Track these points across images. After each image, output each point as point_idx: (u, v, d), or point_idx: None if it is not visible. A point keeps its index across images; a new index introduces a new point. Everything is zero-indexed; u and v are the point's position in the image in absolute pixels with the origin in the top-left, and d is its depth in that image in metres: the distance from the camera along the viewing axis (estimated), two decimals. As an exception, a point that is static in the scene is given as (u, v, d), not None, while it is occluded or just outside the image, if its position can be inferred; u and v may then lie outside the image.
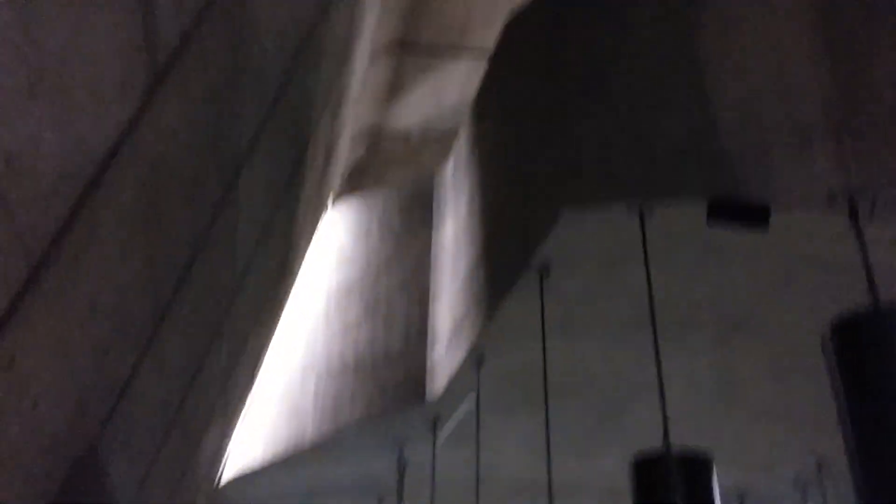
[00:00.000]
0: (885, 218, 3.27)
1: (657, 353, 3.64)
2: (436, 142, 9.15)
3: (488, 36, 7.43)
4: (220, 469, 6.53)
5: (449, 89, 8.63)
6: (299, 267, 6.29)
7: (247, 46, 2.21)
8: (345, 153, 7.74)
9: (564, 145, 4.24)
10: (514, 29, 5.26)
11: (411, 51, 8.01)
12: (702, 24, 4.10)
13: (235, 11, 2.05)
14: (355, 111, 7.47)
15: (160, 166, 1.82)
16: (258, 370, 5.91)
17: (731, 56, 3.98)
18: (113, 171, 1.60)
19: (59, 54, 1.29)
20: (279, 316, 6.10)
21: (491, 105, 5.59)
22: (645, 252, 3.85)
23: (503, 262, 4.75)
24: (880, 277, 3.10)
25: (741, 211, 3.86)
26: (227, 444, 5.83)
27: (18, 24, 1.17)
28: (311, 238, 6.67)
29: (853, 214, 3.21)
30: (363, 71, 7.04)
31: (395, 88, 8.50)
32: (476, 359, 5.12)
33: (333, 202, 7.70)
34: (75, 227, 1.54)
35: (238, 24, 2.09)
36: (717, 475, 5.04)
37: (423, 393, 5.98)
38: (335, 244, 7.38)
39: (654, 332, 3.70)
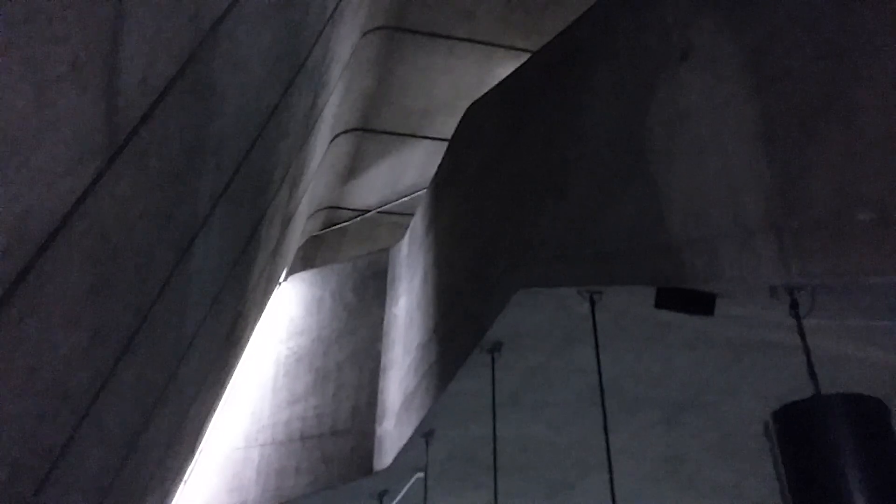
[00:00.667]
0: (824, 309, 3.38)
1: (606, 430, 3.66)
2: (391, 221, 9.25)
3: (449, 124, 7.62)
4: (156, 543, 6.29)
5: (407, 170, 8.77)
6: (248, 337, 6.22)
7: (208, 124, 2.24)
8: (301, 228, 7.76)
9: (520, 229, 4.33)
10: (474, 114, 5.39)
11: (372, 135, 8.16)
12: (651, 118, 4.26)
13: (200, 91, 2.08)
14: (314, 188, 7.53)
15: (111, 236, 1.82)
16: (201, 439, 5.77)
17: (679, 152, 4.14)
18: (62, 240, 1.59)
19: (17, 122, 1.31)
20: (225, 385, 6.00)
21: (448, 186, 5.69)
22: (595, 334, 3.91)
23: (455, 339, 4.77)
24: (822, 365, 3.19)
25: (688, 298, 3.95)
26: (164, 517, 5.63)
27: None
28: (263, 309, 6.62)
29: (794, 306, 3.31)
30: (323, 151, 7.13)
31: (354, 168, 8.62)
32: (425, 433, 5.08)
33: (287, 275, 7.68)
34: (20, 294, 1.53)
35: (201, 103, 2.12)
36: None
37: (371, 466, 5.89)
38: (287, 315, 7.33)
39: (604, 410, 3.73)
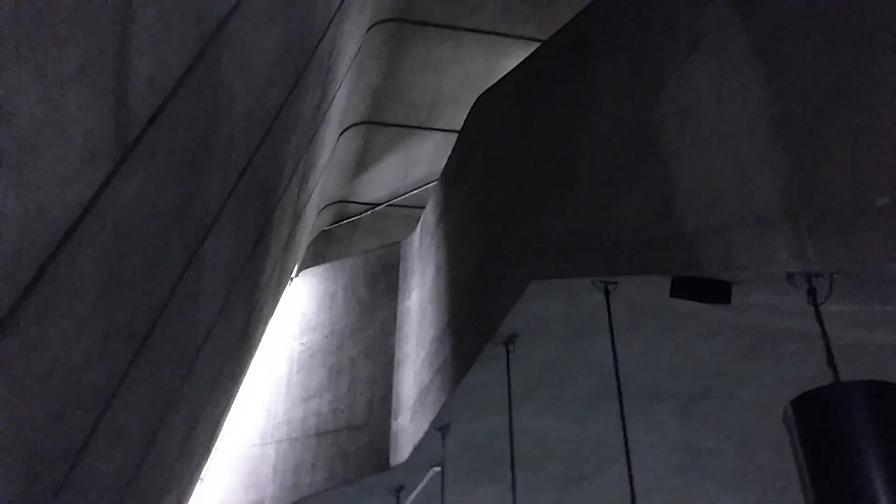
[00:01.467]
0: (842, 296, 3.35)
1: (623, 422, 3.64)
2: (402, 214, 9.22)
3: (458, 115, 7.58)
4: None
5: (417, 163, 8.74)
6: (261, 334, 6.23)
7: (217, 122, 2.23)
8: (311, 223, 7.75)
9: (531, 220, 4.30)
10: (483, 105, 5.36)
11: (380, 128, 8.13)
12: (660, 108, 4.23)
13: (208, 89, 2.07)
14: (324, 182, 7.52)
15: (124, 236, 1.81)
16: (216, 437, 5.79)
17: (690, 141, 4.11)
18: (75, 241, 1.58)
19: (28, 124, 1.30)
20: (239, 383, 6.01)
21: (458, 178, 5.66)
22: (610, 325, 3.88)
23: (469, 333, 4.75)
24: (842, 352, 3.15)
25: (703, 287, 3.93)
26: (182, 514, 5.66)
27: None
28: (275, 306, 6.62)
29: (811, 293, 3.28)
30: (332, 145, 7.12)
31: (363, 161, 8.60)
32: (441, 427, 5.07)
33: (299, 270, 7.67)
34: (34, 296, 1.52)
35: (210, 101, 2.11)
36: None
37: (387, 461, 5.89)
38: (299, 311, 7.33)
39: (620, 402, 3.71)
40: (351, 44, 5.33)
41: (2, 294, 1.42)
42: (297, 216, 5.60)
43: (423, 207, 7.17)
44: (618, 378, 3.77)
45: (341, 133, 7.77)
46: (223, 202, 2.65)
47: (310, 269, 7.60)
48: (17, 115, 1.26)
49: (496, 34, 7.42)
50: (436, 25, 7.21)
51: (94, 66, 1.44)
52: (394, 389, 6.28)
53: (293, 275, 7.59)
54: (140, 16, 1.58)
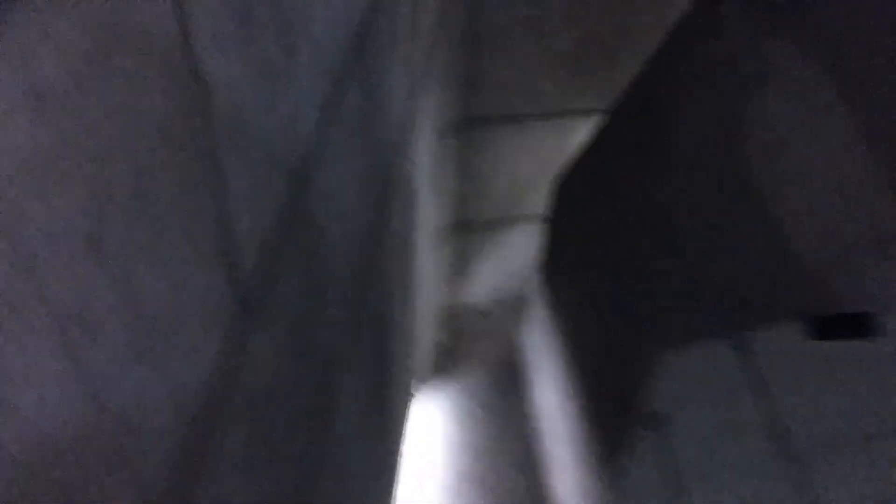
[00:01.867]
0: None
1: (799, 486, 3.37)
2: (510, 309, 9.13)
3: (538, 200, 7.56)
4: None
5: (511, 256, 8.71)
6: (398, 465, 6.14)
7: (324, 267, 2.23)
8: (424, 337, 7.74)
9: (643, 294, 4.16)
10: (564, 190, 5.31)
11: (468, 230, 8.17)
12: (744, 148, 4.10)
13: (308, 236, 2.07)
14: (426, 295, 7.55)
15: (260, 403, 1.78)
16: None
17: (786, 174, 3.94)
18: (216, 413, 1.56)
19: (155, 316, 1.29)
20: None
21: (557, 267, 5.57)
22: (755, 381, 3.65)
23: (609, 420, 4.56)
24: None
25: (842, 322, 3.70)
26: None
27: (116, 284, 1.17)
28: (404, 432, 6.55)
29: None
30: (426, 256, 7.17)
31: (459, 265, 8.61)
32: (598, 526, 4.81)
33: (417, 387, 7.62)
34: (187, 473, 1.48)
35: (313, 247, 2.11)
36: None
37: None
38: (428, 428, 7.23)
39: (790, 461, 3.45)
40: (426, 155, 5.41)
41: (160, 475, 1.39)
42: (408, 332, 5.58)
43: (529, 300, 7.08)
44: (782, 435, 3.51)
45: (431, 241, 7.83)
46: (344, 342, 2.62)
47: (429, 383, 7.54)
48: (144, 306, 1.26)
49: (557, 115, 7.44)
50: (499, 118, 7.29)
51: (200, 237, 1.45)
52: (541, 492, 6.05)
53: (414, 391, 7.53)
54: (232, 175, 1.59)
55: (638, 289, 4.22)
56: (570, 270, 5.27)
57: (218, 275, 1.54)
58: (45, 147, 1.00)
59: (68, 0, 1.00)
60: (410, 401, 7.22)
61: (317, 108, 2.14)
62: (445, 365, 9.19)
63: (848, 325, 3.65)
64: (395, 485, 6.11)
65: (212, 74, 1.47)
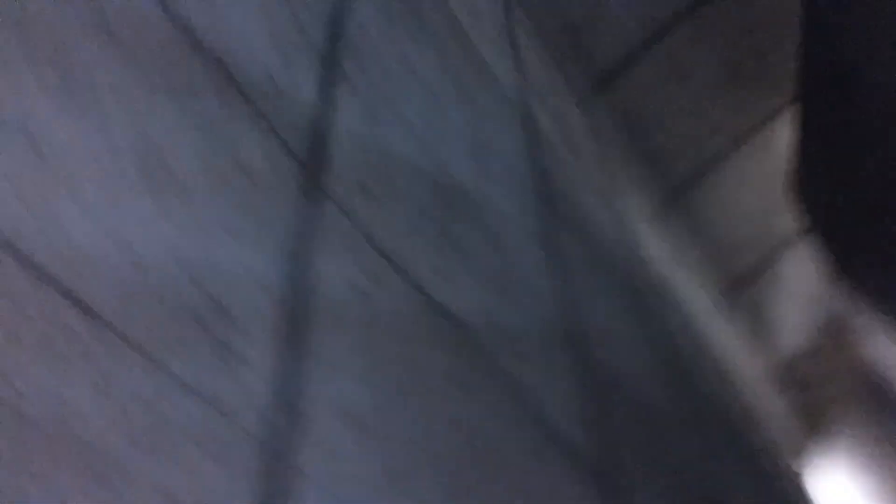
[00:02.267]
0: None
1: None
2: (832, 334, 8.31)
3: (785, 220, 7.08)
4: None
5: (796, 285, 8.07)
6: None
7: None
8: (774, 410, 7.15)
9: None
10: (809, 191, 4.93)
11: (741, 285, 7.73)
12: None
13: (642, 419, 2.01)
14: (746, 367, 7.07)
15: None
16: None
17: None
18: None
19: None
20: None
21: (853, 267, 5.07)
22: None
23: None
24: None
25: None
26: None
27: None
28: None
29: None
30: (724, 330, 6.80)
31: (756, 323, 8.07)
32: None
33: (806, 458, 6.95)
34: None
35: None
36: None
37: None
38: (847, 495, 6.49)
39: None
40: (657, 247, 5.28)
41: None
42: (756, 421, 5.19)
43: (844, 313, 6.43)
44: None
45: (716, 313, 7.44)
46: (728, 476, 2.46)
47: (811, 449, 6.86)
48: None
49: (750, 132, 7.09)
50: (700, 170, 7.04)
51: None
52: None
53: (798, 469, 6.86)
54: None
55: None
56: (869, 265, 4.75)
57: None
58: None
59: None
60: (800, 479, 6.57)
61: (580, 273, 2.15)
62: (814, 422, 8.35)
63: None
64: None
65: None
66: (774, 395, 8.43)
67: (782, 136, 6.91)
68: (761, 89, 6.67)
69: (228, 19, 1.39)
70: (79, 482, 0.80)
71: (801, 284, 8.14)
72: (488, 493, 1.26)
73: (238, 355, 1.05)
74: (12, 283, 0.84)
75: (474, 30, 2.97)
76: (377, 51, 1.98)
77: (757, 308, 7.94)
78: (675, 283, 5.09)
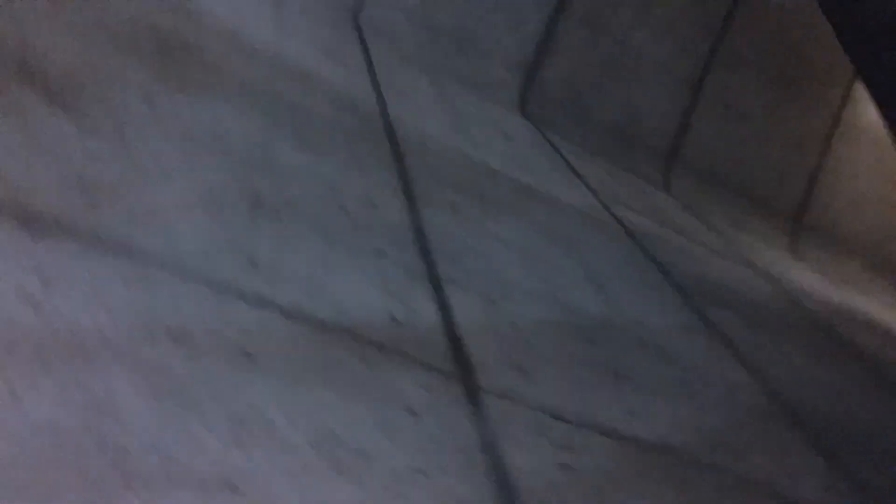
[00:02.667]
0: None
1: None
2: None
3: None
4: None
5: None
6: None
7: None
8: None
9: None
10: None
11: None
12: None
13: None
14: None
15: None
16: None
17: None
18: None
19: None
20: None
21: None
22: None
23: None
24: None
25: None
26: None
27: None
28: None
29: None
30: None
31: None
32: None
33: None
34: None
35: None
36: None
37: None
38: None
39: None
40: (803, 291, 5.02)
41: None
42: None
43: None
44: None
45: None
46: None
47: None
48: None
49: (833, 123, 6.86)
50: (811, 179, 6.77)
51: None
52: None
53: None
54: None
55: None
56: None
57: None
58: None
59: None
60: None
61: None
62: None
63: None
64: None
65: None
66: None
67: (864, 114, 6.69)
68: (817, 85, 6.54)
69: (343, 295, 1.47)
70: None
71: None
72: None
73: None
74: None
75: (535, 174, 3.05)
76: (458, 240, 2.05)
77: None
78: (846, 299, 4.78)
